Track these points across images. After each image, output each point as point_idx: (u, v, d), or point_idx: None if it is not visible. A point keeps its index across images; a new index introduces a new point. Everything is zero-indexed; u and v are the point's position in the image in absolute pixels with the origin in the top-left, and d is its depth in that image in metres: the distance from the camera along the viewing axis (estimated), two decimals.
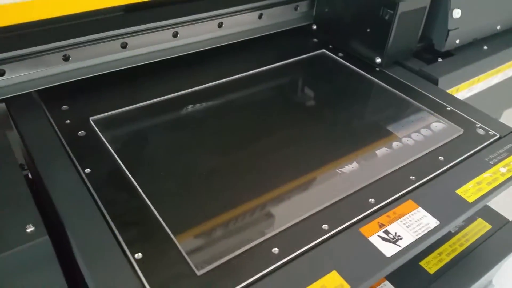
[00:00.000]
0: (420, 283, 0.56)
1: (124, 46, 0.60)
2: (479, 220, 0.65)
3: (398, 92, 0.65)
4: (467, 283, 0.57)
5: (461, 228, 0.63)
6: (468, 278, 0.58)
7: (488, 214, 0.66)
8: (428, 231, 0.45)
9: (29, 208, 0.43)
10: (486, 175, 0.52)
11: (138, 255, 0.40)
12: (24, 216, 0.42)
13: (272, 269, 0.40)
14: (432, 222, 0.46)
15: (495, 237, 0.63)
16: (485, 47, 0.76)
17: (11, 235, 0.39)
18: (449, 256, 0.59)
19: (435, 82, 0.67)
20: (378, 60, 0.70)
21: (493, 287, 0.66)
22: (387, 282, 0.55)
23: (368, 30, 0.70)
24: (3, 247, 0.38)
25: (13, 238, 0.39)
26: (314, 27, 0.80)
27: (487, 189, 0.50)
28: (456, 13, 0.70)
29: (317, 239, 0.43)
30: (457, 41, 0.74)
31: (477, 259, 0.60)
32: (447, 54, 0.74)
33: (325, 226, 0.45)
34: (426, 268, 0.57)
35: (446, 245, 0.60)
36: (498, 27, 0.80)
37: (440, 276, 0.57)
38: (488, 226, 0.64)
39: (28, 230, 0.40)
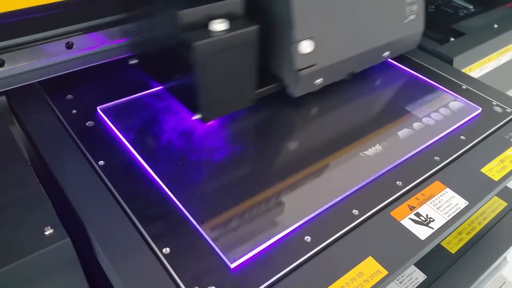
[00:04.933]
0: (443, 263, 0.56)
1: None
2: (495, 198, 0.65)
3: (414, 72, 0.64)
4: (487, 261, 0.57)
5: None
6: (488, 256, 0.58)
7: (503, 191, 0.66)
8: (459, 212, 0.44)
9: (45, 209, 0.40)
10: (509, 152, 0.51)
11: (166, 250, 0.39)
12: (41, 218, 0.39)
13: (306, 258, 0.39)
14: (461, 202, 0.45)
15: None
16: (496, 26, 0.76)
17: (29, 240, 0.37)
18: (469, 235, 0.59)
19: (450, 61, 0.66)
20: (198, 116, 0.48)
21: (508, 263, 0.66)
22: None
23: (180, 75, 0.49)
24: (21, 253, 0.36)
25: (32, 243, 0.37)
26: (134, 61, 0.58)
27: (511, 167, 0.50)
28: (305, 46, 0.50)
29: (349, 225, 0.42)
30: (318, 81, 0.55)
31: (495, 237, 0.60)
32: (459, 34, 0.73)
33: (355, 211, 0.43)
34: (447, 248, 0.57)
35: (465, 224, 0.60)
36: (386, 54, 0.61)
37: (461, 256, 0.57)
38: (504, 204, 0.64)
39: (46, 233, 0.38)
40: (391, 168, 0.48)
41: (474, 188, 0.47)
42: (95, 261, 0.41)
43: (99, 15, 0.56)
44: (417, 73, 0.64)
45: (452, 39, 0.73)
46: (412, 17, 0.60)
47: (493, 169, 0.49)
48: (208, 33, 0.44)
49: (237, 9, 0.46)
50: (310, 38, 0.51)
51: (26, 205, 0.40)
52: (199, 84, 0.46)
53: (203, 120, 0.49)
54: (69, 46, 0.54)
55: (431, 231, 0.42)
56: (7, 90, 0.52)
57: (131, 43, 0.58)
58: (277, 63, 0.53)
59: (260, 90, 0.53)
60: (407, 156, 0.50)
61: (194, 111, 0.48)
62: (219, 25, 0.44)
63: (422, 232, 0.42)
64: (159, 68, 0.54)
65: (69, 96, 0.55)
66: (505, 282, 0.80)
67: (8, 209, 0.39)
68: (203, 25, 0.45)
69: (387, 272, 0.38)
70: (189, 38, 0.43)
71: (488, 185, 0.47)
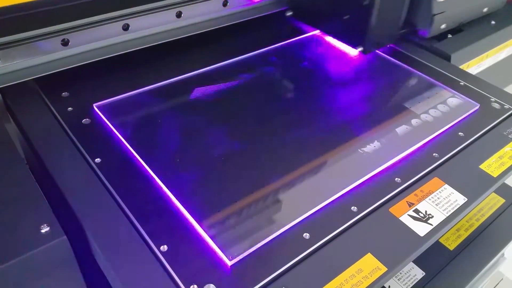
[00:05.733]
0: (441, 259, 0.56)
1: (125, 28, 0.57)
2: (493, 194, 0.65)
3: (412, 69, 0.64)
4: (485, 257, 0.57)
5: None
6: (486, 253, 0.58)
7: (501, 188, 0.66)
8: (458, 208, 0.44)
9: (42, 206, 0.40)
10: (507, 149, 0.51)
11: (164, 248, 0.38)
12: (38, 216, 0.39)
13: (305, 255, 0.39)
14: (460, 198, 0.45)
15: (509, 211, 0.63)
16: (493, 22, 0.76)
17: (25, 238, 0.37)
18: (467, 232, 0.59)
19: (447, 58, 0.66)
20: (360, 48, 0.63)
21: (505, 259, 0.66)
22: None
23: (347, 16, 0.63)
24: (17, 251, 0.35)
25: (28, 241, 0.36)
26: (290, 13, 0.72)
27: (510, 163, 0.50)
28: None
29: (348, 221, 0.42)
30: (443, 26, 0.68)
31: (493, 233, 0.60)
32: (457, 30, 0.73)
33: (354, 208, 0.43)
34: (445, 244, 0.57)
35: (463, 221, 0.60)
36: (485, 10, 0.74)
37: (460, 252, 0.56)
38: (501, 200, 0.64)
39: (43, 231, 0.37)
40: (389, 165, 0.48)
41: (473, 185, 0.47)
42: (92, 259, 0.41)
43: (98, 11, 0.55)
44: (415, 69, 0.64)
45: (449, 35, 0.73)
46: None
47: (492, 165, 0.49)
48: None
49: None
50: None
51: (22, 203, 0.39)
52: (370, 20, 0.58)
53: (364, 51, 0.62)
54: (64, 43, 0.53)
55: (430, 227, 0.42)
56: (2, 87, 0.51)
57: None
58: (414, 9, 0.65)
59: (401, 31, 0.66)
60: (405, 153, 0.49)
61: (357, 44, 0.62)
62: None
63: (421, 229, 0.42)
64: (321, 14, 0.68)
65: (65, 93, 0.54)
66: (502, 279, 0.80)
67: (3, 207, 0.39)
68: None
69: (386, 269, 0.38)
70: None
71: (487, 181, 0.47)
